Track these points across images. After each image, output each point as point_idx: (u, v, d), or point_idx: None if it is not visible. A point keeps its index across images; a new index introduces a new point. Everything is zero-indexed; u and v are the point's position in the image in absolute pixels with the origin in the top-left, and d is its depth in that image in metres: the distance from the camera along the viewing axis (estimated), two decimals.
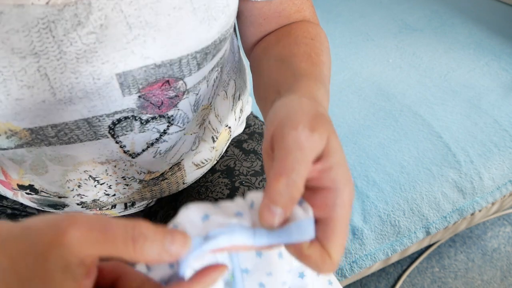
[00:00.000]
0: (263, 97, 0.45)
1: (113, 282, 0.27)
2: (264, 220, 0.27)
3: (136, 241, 0.23)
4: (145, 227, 0.24)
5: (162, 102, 0.42)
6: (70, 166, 0.45)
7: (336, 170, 0.28)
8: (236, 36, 0.59)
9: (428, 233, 0.91)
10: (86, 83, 0.36)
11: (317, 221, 0.28)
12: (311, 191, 0.29)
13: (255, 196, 0.29)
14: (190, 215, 0.28)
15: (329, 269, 0.27)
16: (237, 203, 0.29)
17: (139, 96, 0.40)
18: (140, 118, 0.42)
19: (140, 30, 0.35)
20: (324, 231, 0.27)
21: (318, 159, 0.28)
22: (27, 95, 0.35)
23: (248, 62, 0.54)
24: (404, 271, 1.19)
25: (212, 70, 0.46)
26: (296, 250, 0.27)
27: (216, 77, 0.49)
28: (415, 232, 0.90)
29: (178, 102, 0.44)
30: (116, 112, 0.40)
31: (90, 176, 0.47)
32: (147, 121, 0.43)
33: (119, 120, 0.41)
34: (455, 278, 1.17)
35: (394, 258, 0.98)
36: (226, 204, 0.29)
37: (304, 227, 0.27)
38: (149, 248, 0.24)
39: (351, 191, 0.28)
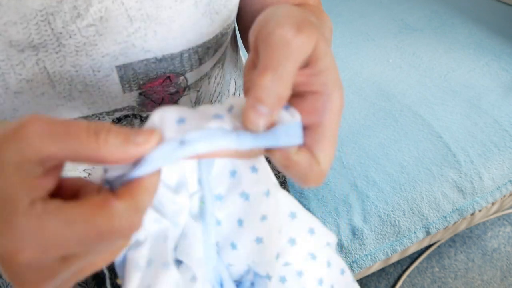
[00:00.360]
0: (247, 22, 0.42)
1: (72, 197, 0.24)
2: (249, 121, 0.24)
3: (99, 133, 0.22)
4: (110, 124, 0.23)
5: (162, 99, 0.42)
6: (69, 165, 0.45)
7: (326, 74, 0.26)
8: (236, 33, 0.59)
9: (428, 233, 0.91)
10: (86, 75, 0.35)
11: (305, 128, 0.26)
12: (300, 97, 0.27)
13: (234, 101, 0.27)
14: (163, 117, 0.24)
15: (317, 178, 0.26)
16: (216, 106, 0.26)
17: (140, 93, 0.39)
18: (140, 115, 0.42)
19: (141, 23, 0.35)
20: (313, 137, 0.25)
21: (306, 63, 0.26)
22: (26, 88, 0.34)
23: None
24: (404, 271, 1.19)
25: (213, 66, 0.45)
26: (283, 155, 0.25)
27: (218, 74, 0.49)
28: (415, 232, 0.89)
29: (178, 99, 0.43)
30: (116, 110, 0.40)
31: (90, 174, 0.47)
32: (147, 118, 0.43)
33: (119, 119, 0.41)
34: (455, 278, 1.17)
35: (394, 258, 0.98)
36: (204, 107, 0.26)
37: (292, 130, 0.25)
38: (113, 139, 0.22)
39: (341, 96, 0.26)
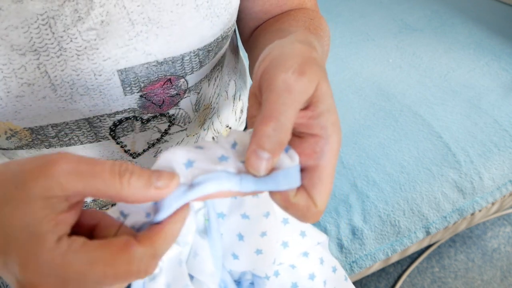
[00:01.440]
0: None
1: (90, 230, 0.26)
2: (251, 166, 0.25)
3: (122, 175, 0.23)
4: (132, 165, 0.24)
5: (163, 101, 0.42)
6: None
7: (325, 116, 0.26)
8: (236, 36, 0.59)
9: (428, 233, 0.91)
10: (87, 79, 0.36)
11: (303, 169, 0.27)
12: (299, 138, 0.28)
13: (238, 136, 0.28)
14: (173, 160, 0.26)
15: (314, 218, 0.27)
16: (221, 143, 0.28)
17: (141, 96, 0.39)
18: (141, 118, 0.42)
19: (143, 27, 0.35)
20: (310, 179, 0.26)
21: (307, 105, 0.27)
22: (28, 92, 0.34)
23: (248, 62, 0.54)
24: (404, 271, 1.19)
25: (213, 69, 0.45)
26: (282, 198, 0.26)
27: (217, 76, 0.49)
28: (415, 232, 0.90)
29: (179, 101, 0.44)
30: (117, 112, 0.40)
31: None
32: (148, 120, 0.43)
33: (120, 121, 0.41)
34: (455, 278, 1.17)
35: (394, 258, 0.98)
36: (209, 145, 0.27)
37: (291, 174, 0.26)
38: (135, 181, 0.23)
39: (339, 139, 0.27)
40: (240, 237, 0.33)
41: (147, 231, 0.24)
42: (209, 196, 0.26)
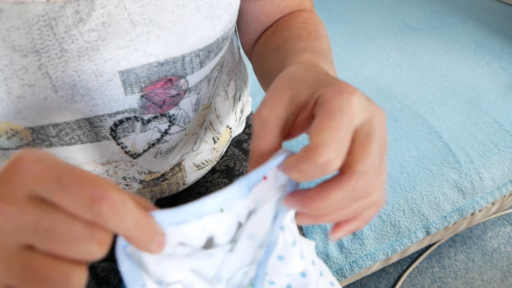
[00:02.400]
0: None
1: None
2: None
3: None
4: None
5: (164, 101, 0.42)
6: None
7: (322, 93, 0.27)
8: (236, 36, 0.59)
9: (428, 233, 0.91)
10: (88, 80, 0.36)
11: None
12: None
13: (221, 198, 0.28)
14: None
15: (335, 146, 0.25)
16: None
17: (142, 96, 0.39)
18: (142, 118, 0.42)
19: (144, 28, 0.35)
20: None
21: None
22: (29, 93, 0.34)
23: (249, 62, 0.55)
24: (404, 271, 1.19)
25: (213, 69, 0.46)
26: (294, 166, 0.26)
27: (217, 76, 0.49)
28: (415, 232, 0.90)
29: (179, 101, 0.44)
30: (118, 112, 0.40)
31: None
32: (149, 121, 0.43)
33: (120, 121, 0.41)
34: (455, 278, 1.17)
35: (394, 258, 0.98)
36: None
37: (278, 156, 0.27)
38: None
39: (342, 86, 0.26)
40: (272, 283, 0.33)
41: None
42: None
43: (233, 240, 0.30)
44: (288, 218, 0.29)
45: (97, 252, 0.21)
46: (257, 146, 0.27)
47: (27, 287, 0.21)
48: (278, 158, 0.27)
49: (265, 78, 0.47)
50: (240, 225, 0.29)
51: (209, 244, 0.29)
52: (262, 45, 0.50)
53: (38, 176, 0.21)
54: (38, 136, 0.39)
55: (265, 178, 0.28)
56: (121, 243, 0.24)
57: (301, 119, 0.28)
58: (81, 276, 0.22)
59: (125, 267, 0.24)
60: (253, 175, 0.28)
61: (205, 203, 0.27)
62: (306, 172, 0.25)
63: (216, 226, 0.28)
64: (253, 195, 0.28)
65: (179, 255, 0.27)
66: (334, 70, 0.40)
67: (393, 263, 1.20)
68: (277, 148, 0.27)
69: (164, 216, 0.25)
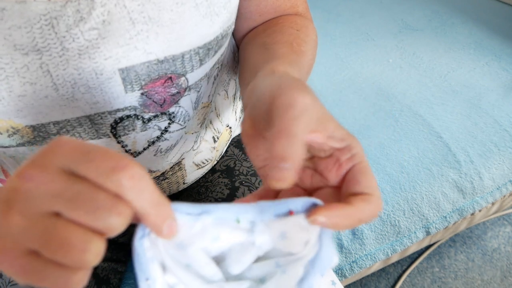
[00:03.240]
0: (245, 82, 0.45)
1: None
2: (274, 177, 0.26)
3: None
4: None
5: (164, 100, 0.42)
6: None
7: (339, 131, 0.29)
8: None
9: (428, 233, 0.91)
10: (89, 78, 0.36)
11: (345, 180, 0.30)
12: (330, 157, 0.31)
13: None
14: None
15: (378, 206, 0.29)
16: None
17: (142, 94, 0.39)
18: (142, 117, 0.42)
19: (143, 26, 0.35)
20: (353, 178, 0.29)
21: (316, 130, 0.29)
22: (30, 91, 0.35)
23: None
24: (404, 271, 1.19)
25: (213, 67, 0.46)
26: (352, 219, 0.28)
27: (217, 74, 0.49)
28: (415, 232, 0.90)
29: (179, 99, 0.44)
30: (118, 110, 0.40)
31: None
32: (149, 120, 0.43)
33: (121, 119, 0.41)
34: (455, 278, 1.17)
35: (394, 258, 0.98)
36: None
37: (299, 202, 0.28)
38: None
39: (358, 142, 0.30)
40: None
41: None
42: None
43: (242, 277, 0.29)
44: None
45: (117, 224, 0.23)
46: (297, 126, 0.27)
47: (47, 250, 0.22)
48: (306, 201, 0.28)
49: (245, 70, 0.47)
50: (258, 259, 0.29)
51: (219, 260, 0.29)
52: (249, 39, 0.50)
53: (69, 151, 0.23)
54: (39, 134, 0.39)
55: (291, 212, 0.28)
56: (139, 233, 0.25)
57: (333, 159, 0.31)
58: (100, 246, 0.23)
59: (136, 258, 0.25)
60: (278, 203, 0.28)
61: (221, 204, 0.27)
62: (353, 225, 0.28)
63: (231, 240, 0.28)
64: (279, 225, 0.28)
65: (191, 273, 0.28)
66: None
67: (393, 263, 1.20)
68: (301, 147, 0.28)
69: (178, 205, 0.26)
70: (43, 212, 0.22)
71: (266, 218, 0.28)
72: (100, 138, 0.42)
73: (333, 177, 0.31)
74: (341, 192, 0.30)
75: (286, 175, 0.26)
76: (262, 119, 0.30)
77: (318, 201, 0.28)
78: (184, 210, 0.27)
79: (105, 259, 0.61)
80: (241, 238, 0.28)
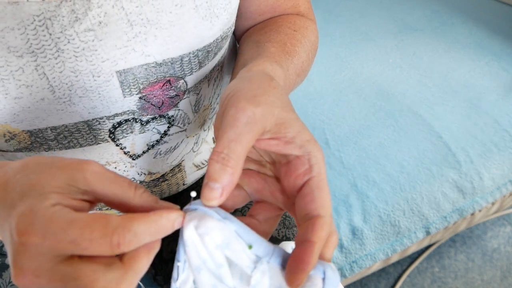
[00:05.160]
0: (234, 78, 0.45)
1: None
2: (204, 197, 0.27)
3: (138, 188, 0.28)
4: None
5: (162, 102, 0.42)
6: None
7: (299, 137, 0.29)
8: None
9: (428, 233, 0.91)
10: (86, 80, 0.35)
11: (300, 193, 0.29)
12: (287, 164, 0.30)
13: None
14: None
15: (327, 227, 0.28)
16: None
17: (140, 98, 0.39)
18: (140, 120, 0.42)
19: (141, 28, 0.35)
20: (310, 193, 0.29)
21: (277, 135, 0.29)
22: (26, 93, 0.34)
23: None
24: (404, 271, 1.19)
25: (213, 69, 0.45)
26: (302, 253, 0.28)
27: (217, 77, 0.49)
28: (415, 232, 0.90)
29: (178, 102, 0.43)
30: (116, 115, 0.39)
31: None
32: (147, 122, 0.43)
33: (119, 123, 0.41)
34: (455, 278, 1.17)
35: (394, 258, 0.98)
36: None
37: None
38: (147, 196, 0.28)
39: (320, 151, 0.29)
40: None
41: (130, 213, 0.26)
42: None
43: None
44: None
45: None
46: (236, 146, 0.27)
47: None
48: (325, 266, 0.28)
49: (236, 62, 0.47)
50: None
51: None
52: (247, 36, 0.50)
53: (52, 247, 0.24)
54: (36, 139, 0.39)
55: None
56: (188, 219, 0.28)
57: (288, 159, 0.31)
58: None
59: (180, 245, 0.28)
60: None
61: (242, 223, 0.28)
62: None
63: (236, 258, 0.28)
64: (281, 276, 0.28)
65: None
66: (289, 81, 0.41)
67: (393, 263, 1.20)
68: (244, 159, 0.28)
69: (205, 209, 0.28)
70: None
71: (272, 262, 0.28)
72: (99, 143, 0.42)
73: (290, 186, 0.30)
74: (295, 204, 0.30)
75: (213, 195, 0.27)
76: (220, 125, 0.30)
77: (332, 267, 0.28)
78: (212, 211, 0.28)
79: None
80: (244, 263, 0.28)
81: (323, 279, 0.28)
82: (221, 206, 0.29)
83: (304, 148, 0.29)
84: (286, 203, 0.32)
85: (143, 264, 0.26)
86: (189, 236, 0.27)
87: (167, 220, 0.27)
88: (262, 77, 0.32)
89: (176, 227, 0.27)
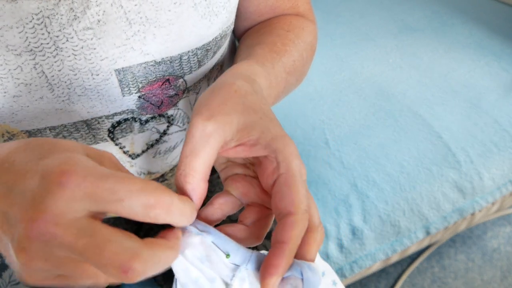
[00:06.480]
0: None
1: None
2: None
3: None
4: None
5: (162, 102, 0.42)
6: None
7: (262, 138, 0.29)
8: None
9: (428, 233, 0.91)
10: (85, 79, 0.35)
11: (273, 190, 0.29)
12: (259, 165, 0.30)
13: None
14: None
15: (304, 223, 0.28)
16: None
17: (139, 97, 0.39)
18: (139, 119, 0.42)
19: (140, 26, 0.35)
20: (279, 191, 0.28)
21: (241, 140, 0.29)
22: (25, 92, 0.34)
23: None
24: (404, 271, 1.19)
25: (212, 68, 0.45)
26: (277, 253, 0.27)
27: (216, 76, 0.49)
28: (415, 232, 0.90)
29: (178, 101, 0.43)
30: (115, 114, 0.39)
31: None
32: (147, 121, 0.43)
33: (118, 123, 0.41)
34: (455, 278, 1.17)
35: (394, 258, 0.98)
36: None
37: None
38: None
39: (289, 147, 0.29)
40: None
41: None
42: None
43: None
44: None
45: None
46: (191, 161, 0.28)
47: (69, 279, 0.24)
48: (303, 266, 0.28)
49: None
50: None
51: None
52: (243, 39, 0.50)
53: (89, 192, 0.23)
54: None
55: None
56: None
57: (254, 160, 0.31)
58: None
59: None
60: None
61: (221, 233, 0.28)
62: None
63: (214, 269, 0.28)
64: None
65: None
66: (273, 78, 0.41)
67: (393, 263, 1.20)
68: (206, 172, 0.28)
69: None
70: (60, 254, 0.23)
71: (250, 268, 0.28)
72: (98, 143, 0.42)
73: (265, 186, 0.30)
74: (271, 204, 0.29)
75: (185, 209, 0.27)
76: None
77: (311, 267, 0.28)
78: (190, 226, 0.28)
79: None
80: (224, 273, 0.28)
81: (302, 279, 0.27)
82: (211, 217, 0.30)
83: (269, 147, 0.29)
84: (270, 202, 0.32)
85: (161, 254, 0.24)
86: None
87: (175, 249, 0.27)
88: (223, 84, 0.32)
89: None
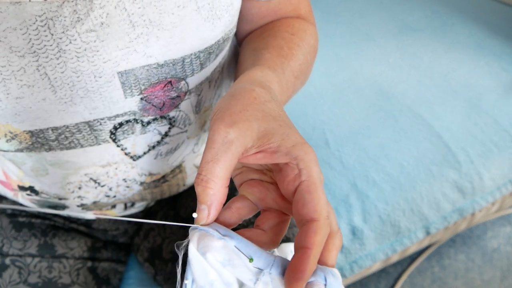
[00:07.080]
0: None
1: None
2: (197, 220, 0.29)
3: None
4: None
5: (163, 103, 0.42)
6: (70, 170, 0.45)
7: (283, 145, 0.30)
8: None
9: (428, 233, 0.91)
10: (87, 80, 0.35)
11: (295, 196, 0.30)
12: (279, 172, 0.31)
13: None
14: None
15: (326, 229, 0.29)
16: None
17: (141, 99, 0.39)
18: (141, 120, 0.42)
19: (143, 29, 0.35)
20: (301, 198, 0.29)
21: (262, 147, 0.30)
22: (27, 93, 0.34)
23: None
24: (404, 271, 1.19)
25: (214, 70, 0.46)
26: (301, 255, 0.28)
27: (218, 78, 0.49)
28: (415, 232, 0.90)
29: (179, 103, 0.44)
30: (117, 115, 0.40)
31: (91, 178, 0.47)
32: (148, 123, 0.43)
33: (120, 124, 0.41)
34: (455, 278, 1.17)
35: (394, 258, 0.98)
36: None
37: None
38: None
39: (309, 154, 0.30)
40: None
41: None
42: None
43: None
44: None
45: None
46: (213, 167, 0.29)
47: None
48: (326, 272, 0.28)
49: (236, 72, 0.48)
50: None
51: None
52: (246, 43, 0.50)
53: None
54: (37, 139, 0.39)
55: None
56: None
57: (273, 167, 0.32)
58: None
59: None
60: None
61: (242, 238, 0.29)
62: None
63: (237, 273, 0.28)
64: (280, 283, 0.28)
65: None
66: (284, 83, 0.41)
67: (393, 263, 1.20)
68: (227, 178, 0.29)
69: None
70: None
71: (273, 272, 0.28)
72: (100, 144, 0.42)
73: (286, 192, 0.31)
74: (292, 211, 0.30)
75: (201, 216, 0.29)
76: None
77: (334, 273, 0.28)
78: (212, 230, 0.28)
79: (105, 259, 0.61)
80: (247, 277, 0.28)
81: (325, 285, 0.28)
82: (229, 220, 0.31)
83: (290, 154, 0.29)
84: (288, 208, 0.32)
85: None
86: (193, 255, 0.28)
87: None
88: (242, 91, 0.32)
89: None
